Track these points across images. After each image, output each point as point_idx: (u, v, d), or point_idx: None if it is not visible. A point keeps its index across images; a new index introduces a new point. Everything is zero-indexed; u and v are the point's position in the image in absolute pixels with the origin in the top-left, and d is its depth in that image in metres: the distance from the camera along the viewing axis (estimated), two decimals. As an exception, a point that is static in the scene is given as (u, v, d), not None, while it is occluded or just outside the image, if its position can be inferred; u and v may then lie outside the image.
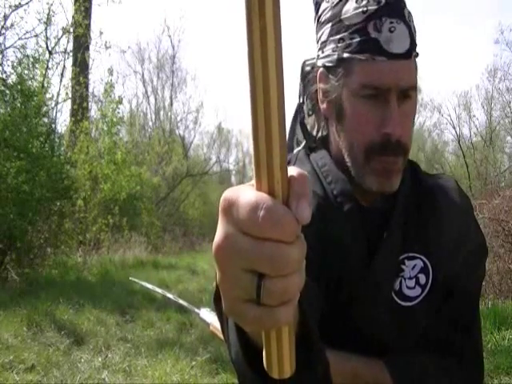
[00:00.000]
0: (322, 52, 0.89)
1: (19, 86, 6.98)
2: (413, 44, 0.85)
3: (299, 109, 1.01)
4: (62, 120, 14.27)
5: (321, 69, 0.90)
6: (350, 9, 0.84)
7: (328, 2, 0.88)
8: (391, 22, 0.83)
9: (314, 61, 0.94)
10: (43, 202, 6.78)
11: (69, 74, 10.09)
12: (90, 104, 11.34)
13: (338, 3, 0.86)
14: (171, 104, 24.58)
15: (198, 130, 25.39)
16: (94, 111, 11.72)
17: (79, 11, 9.82)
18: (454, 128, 24.42)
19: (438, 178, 0.99)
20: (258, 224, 0.40)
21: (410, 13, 0.86)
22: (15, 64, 7.57)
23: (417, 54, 0.87)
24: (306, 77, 0.97)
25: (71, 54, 10.60)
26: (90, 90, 11.41)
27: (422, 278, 0.91)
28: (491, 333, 3.95)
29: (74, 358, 3.55)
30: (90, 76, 11.02)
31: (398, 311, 0.90)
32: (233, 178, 27.11)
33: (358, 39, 0.84)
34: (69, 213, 8.01)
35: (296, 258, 0.41)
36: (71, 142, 9.36)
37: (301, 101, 1.00)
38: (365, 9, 0.83)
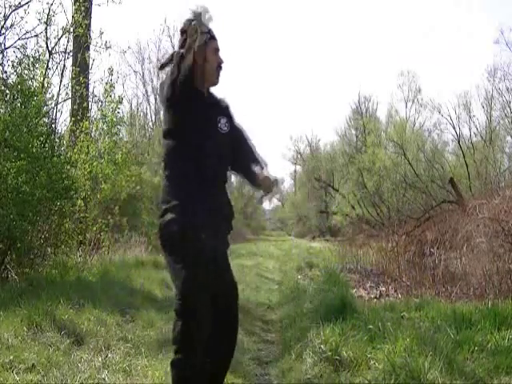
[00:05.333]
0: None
1: (19, 86, 6.96)
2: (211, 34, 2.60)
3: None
4: (62, 120, 14.25)
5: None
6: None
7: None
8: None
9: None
10: (43, 202, 6.77)
11: (69, 73, 10.06)
12: (90, 104, 11.31)
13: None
14: (171, 104, 24.52)
15: (197, 130, 25.32)
16: (93, 111, 11.68)
17: (79, 11, 9.79)
18: (454, 128, 24.45)
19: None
20: None
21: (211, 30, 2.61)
22: (15, 64, 7.55)
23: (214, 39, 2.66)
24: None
25: (71, 54, 10.57)
26: (90, 90, 11.36)
27: (226, 124, 2.69)
28: (491, 333, 3.93)
29: (74, 358, 3.55)
30: (90, 76, 10.98)
31: (220, 135, 2.65)
32: (233, 178, 27.05)
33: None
34: (69, 213, 7.99)
35: None
36: (71, 142, 9.34)
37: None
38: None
